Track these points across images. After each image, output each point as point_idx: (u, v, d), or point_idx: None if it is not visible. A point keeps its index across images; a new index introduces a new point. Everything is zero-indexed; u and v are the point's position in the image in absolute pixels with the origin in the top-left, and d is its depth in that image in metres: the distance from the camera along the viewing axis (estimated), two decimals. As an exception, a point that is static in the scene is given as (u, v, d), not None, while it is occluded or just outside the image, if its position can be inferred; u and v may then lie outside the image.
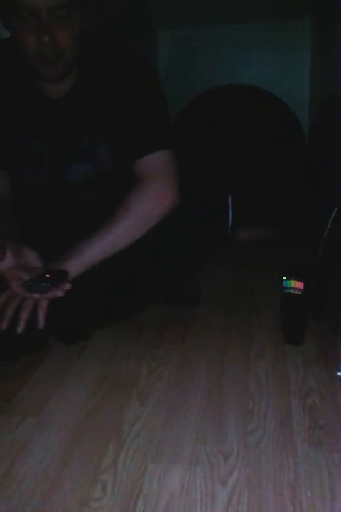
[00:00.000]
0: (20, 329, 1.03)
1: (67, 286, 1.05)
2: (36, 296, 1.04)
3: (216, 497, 0.74)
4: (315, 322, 1.28)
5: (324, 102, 2.62)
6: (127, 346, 1.23)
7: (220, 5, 2.87)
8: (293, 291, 1.17)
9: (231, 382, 1.06)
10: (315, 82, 3.01)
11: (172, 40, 3.29)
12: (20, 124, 1.20)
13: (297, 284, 1.17)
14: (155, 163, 1.18)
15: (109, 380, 1.08)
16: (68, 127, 1.15)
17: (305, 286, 1.17)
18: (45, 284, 1.01)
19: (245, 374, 1.09)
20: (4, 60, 1.17)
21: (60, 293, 1.04)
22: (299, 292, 1.17)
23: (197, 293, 1.47)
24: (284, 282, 1.18)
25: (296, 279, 1.17)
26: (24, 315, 1.04)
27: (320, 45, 2.80)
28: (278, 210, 2.34)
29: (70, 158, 1.22)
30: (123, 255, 1.17)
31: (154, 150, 1.18)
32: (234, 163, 2.51)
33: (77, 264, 1.11)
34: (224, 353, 1.18)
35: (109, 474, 0.80)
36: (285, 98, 2.74)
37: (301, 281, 1.17)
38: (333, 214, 1.39)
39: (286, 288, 1.18)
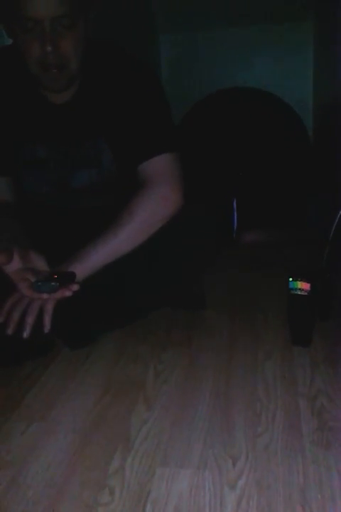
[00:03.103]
0: (26, 334, 1.03)
1: (75, 287, 1.05)
2: (45, 296, 1.04)
3: (225, 501, 0.74)
4: (322, 323, 1.27)
5: (328, 103, 2.62)
6: (133, 350, 1.22)
7: (222, 8, 2.87)
8: (299, 293, 1.17)
9: (239, 384, 1.05)
10: (319, 83, 3.00)
11: (174, 43, 3.29)
12: (23, 129, 1.21)
13: (303, 285, 1.16)
14: (160, 165, 1.18)
15: (116, 384, 1.08)
16: (72, 133, 1.15)
17: (311, 287, 1.16)
18: (53, 283, 1.01)
19: (252, 376, 1.08)
20: (7, 65, 1.17)
21: (68, 293, 1.03)
22: (306, 293, 1.16)
23: (203, 295, 1.46)
24: (290, 283, 1.17)
25: (303, 280, 1.16)
26: (30, 319, 1.04)
27: (324, 46, 2.79)
28: (284, 212, 2.33)
29: (74, 163, 1.22)
30: (129, 259, 1.17)
31: (158, 153, 1.18)
32: (239, 165, 2.50)
33: (82, 268, 1.11)
34: (231, 356, 1.18)
35: (116, 479, 0.79)
36: (289, 100, 2.74)
37: (308, 282, 1.16)
38: (339, 215, 1.38)
39: (293, 289, 1.17)
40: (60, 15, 1.00)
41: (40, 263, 1.07)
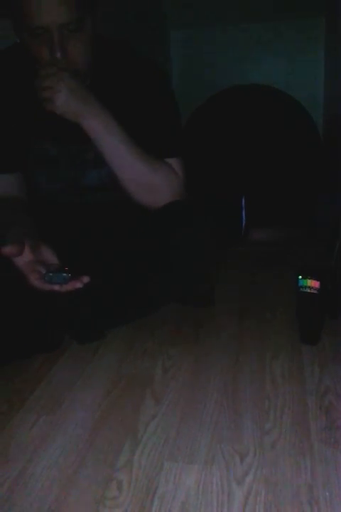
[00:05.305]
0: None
1: (86, 279, 1.05)
2: (56, 287, 1.04)
3: (232, 496, 0.74)
4: (331, 321, 1.27)
5: (339, 100, 2.60)
6: (142, 345, 1.23)
7: (232, 5, 2.86)
8: (308, 290, 1.16)
9: (247, 381, 1.05)
10: (330, 81, 2.98)
11: (185, 40, 3.29)
12: (33, 127, 1.21)
13: (313, 283, 1.16)
14: None
15: (124, 379, 1.08)
16: (82, 132, 1.15)
17: (321, 285, 1.16)
18: (64, 274, 1.02)
19: (261, 373, 1.08)
20: (18, 62, 1.18)
21: (79, 284, 1.03)
22: (315, 291, 1.16)
23: (211, 292, 1.46)
24: (300, 281, 1.17)
25: (312, 278, 1.16)
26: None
27: (335, 43, 2.78)
28: (292, 210, 2.33)
29: (85, 163, 1.23)
30: (136, 255, 1.17)
31: (165, 158, 1.20)
32: (248, 163, 2.50)
33: (99, 122, 1.11)
34: (238, 353, 1.18)
35: (124, 473, 0.80)
36: (299, 97, 2.72)
37: (317, 280, 1.16)
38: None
39: (302, 287, 1.17)
40: (67, 21, 1.01)
41: (51, 256, 1.07)
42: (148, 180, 1.18)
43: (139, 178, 1.17)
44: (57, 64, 1.04)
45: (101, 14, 1.14)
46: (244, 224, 2.11)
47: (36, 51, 1.05)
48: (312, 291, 1.16)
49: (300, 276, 1.17)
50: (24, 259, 1.02)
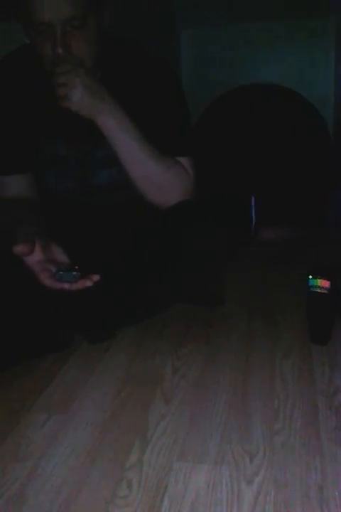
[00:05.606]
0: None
1: (96, 277, 1.05)
2: (66, 285, 1.04)
3: (242, 496, 0.74)
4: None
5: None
6: (152, 345, 1.23)
7: (242, 4, 2.85)
8: (319, 290, 1.16)
9: (257, 381, 1.05)
10: (340, 78, 2.97)
11: (194, 39, 3.29)
12: (43, 127, 1.22)
13: (323, 283, 1.15)
14: None
15: (134, 378, 1.09)
16: (91, 131, 1.16)
17: (331, 284, 1.15)
18: (75, 273, 1.02)
19: (270, 374, 1.08)
20: (28, 63, 1.18)
21: (89, 283, 1.04)
22: (325, 291, 1.16)
23: (222, 292, 1.46)
24: (310, 281, 1.17)
25: (322, 277, 1.16)
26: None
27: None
28: (303, 209, 2.32)
29: (95, 162, 1.23)
30: (146, 254, 1.17)
31: (176, 157, 1.20)
32: (258, 162, 2.49)
33: (114, 119, 1.12)
34: (248, 353, 1.18)
35: (134, 472, 0.80)
36: (309, 96, 2.72)
37: (327, 280, 1.15)
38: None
39: (312, 287, 1.17)
40: (70, 17, 1.01)
41: (61, 255, 1.07)
42: (160, 179, 1.18)
43: (152, 177, 1.17)
44: (60, 59, 1.05)
45: (111, 14, 1.14)
46: (253, 223, 2.11)
47: (41, 48, 1.06)
48: (322, 291, 1.16)
49: (311, 276, 1.17)
50: (35, 258, 1.03)
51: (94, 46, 1.10)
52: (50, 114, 1.19)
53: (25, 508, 0.74)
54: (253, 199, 2.13)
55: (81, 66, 1.07)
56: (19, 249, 0.99)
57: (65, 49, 1.03)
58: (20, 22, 1.08)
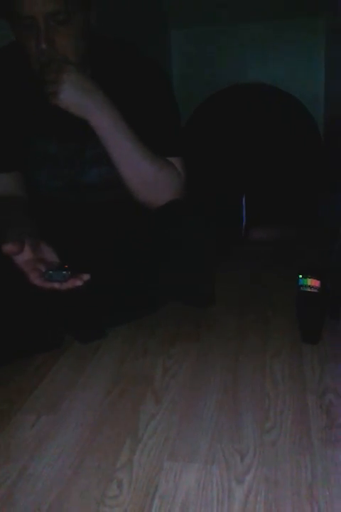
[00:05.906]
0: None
1: (86, 277, 1.05)
2: (56, 285, 1.04)
3: (232, 495, 0.74)
4: (332, 320, 1.27)
5: (339, 100, 2.60)
6: (142, 345, 1.23)
7: (233, 4, 2.85)
8: (309, 290, 1.16)
9: (247, 381, 1.05)
10: (331, 80, 2.98)
11: (185, 39, 3.28)
12: (32, 125, 1.21)
13: (313, 282, 1.16)
14: None
15: (125, 378, 1.08)
16: (81, 130, 1.15)
17: (321, 284, 1.16)
18: (64, 272, 1.02)
19: (261, 373, 1.08)
20: (16, 61, 1.18)
21: (79, 282, 1.04)
22: (315, 290, 1.16)
23: (212, 292, 1.46)
24: (300, 280, 1.17)
25: (312, 277, 1.16)
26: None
27: (336, 42, 2.78)
28: (294, 208, 2.33)
29: (85, 161, 1.23)
30: (136, 253, 1.17)
31: (166, 156, 1.20)
32: (248, 162, 2.50)
33: (106, 117, 1.11)
34: (239, 352, 1.18)
35: (125, 472, 0.80)
36: (299, 96, 2.72)
37: (318, 280, 1.16)
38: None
39: (302, 286, 1.17)
40: (53, 11, 1.00)
41: (51, 254, 1.07)
42: (152, 179, 1.17)
43: (144, 177, 1.17)
44: (45, 55, 1.04)
45: (95, 15, 1.13)
46: (244, 223, 2.11)
47: (25, 45, 1.05)
48: (312, 290, 1.16)
49: (301, 276, 1.17)
50: (24, 257, 1.02)
51: (79, 43, 1.09)
52: (40, 112, 1.19)
53: (15, 509, 0.73)
54: (243, 199, 2.13)
55: (69, 63, 1.07)
56: (8, 248, 0.98)
57: (48, 44, 1.02)
58: (4, 19, 1.07)
